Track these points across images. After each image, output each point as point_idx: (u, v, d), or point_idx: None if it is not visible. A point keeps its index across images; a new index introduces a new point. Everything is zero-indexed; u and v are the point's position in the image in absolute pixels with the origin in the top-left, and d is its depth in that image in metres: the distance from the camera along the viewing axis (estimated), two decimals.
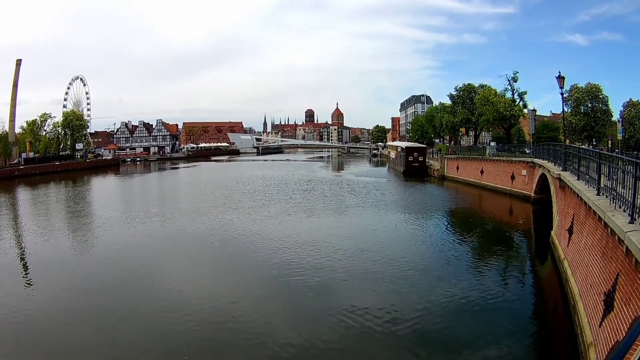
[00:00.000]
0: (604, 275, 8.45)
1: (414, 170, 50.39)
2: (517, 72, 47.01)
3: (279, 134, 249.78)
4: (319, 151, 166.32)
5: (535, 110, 42.53)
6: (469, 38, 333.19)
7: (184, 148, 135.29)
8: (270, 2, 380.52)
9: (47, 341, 9.98)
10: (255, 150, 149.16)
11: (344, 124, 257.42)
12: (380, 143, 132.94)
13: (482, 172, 39.10)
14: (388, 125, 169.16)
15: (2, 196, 40.26)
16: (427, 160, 53.58)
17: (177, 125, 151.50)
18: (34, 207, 33.24)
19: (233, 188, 41.34)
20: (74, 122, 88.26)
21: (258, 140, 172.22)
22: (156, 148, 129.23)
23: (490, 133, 67.19)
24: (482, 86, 53.53)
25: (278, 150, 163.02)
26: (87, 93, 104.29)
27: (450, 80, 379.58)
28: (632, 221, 7.29)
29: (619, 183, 8.68)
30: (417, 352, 9.24)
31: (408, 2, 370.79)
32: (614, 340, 6.64)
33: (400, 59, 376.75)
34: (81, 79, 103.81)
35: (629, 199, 7.61)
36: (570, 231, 13.50)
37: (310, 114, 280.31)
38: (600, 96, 43.97)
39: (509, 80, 46.89)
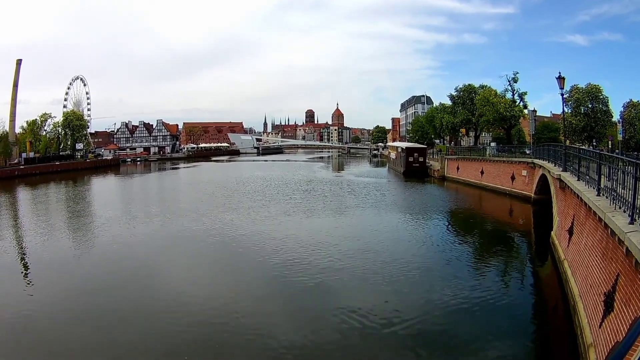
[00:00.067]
0: (604, 275, 8.45)
1: (414, 170, 50.39)
2: (518, 73, 47.12)
3: (279, 134, 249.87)
4: (319, 151, 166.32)
5: (536, 111, 42.49)
6: (469, 38, 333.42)
7: (184, 148, 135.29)
8: (270, 2, 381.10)
9: (47, 341, 9.98)
10: (255, 150, 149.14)
11: (344, 125, 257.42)
12: (380, 143, 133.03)
13: (482, 172, 39.10)
14: (388, 126, 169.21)
15: (2, 196, 40.30)
16: (427, 160, 53.60)
17: (177, 125, 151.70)
18: (34, 207, 33.26)
19: (233, 188, 41.34)
20: (74, 122, 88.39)
21: (258, 140, 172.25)
22: (156, 148, 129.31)
23: (491, 133, 67.15)
24: (482, 87, 53.52)
25: (278, 150, 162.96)
26: (87, 93, 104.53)
27: (450, 81, 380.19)
28: (632, 222, 7.29)
29: (619, 184, 8.69)
30: (418, 353, 9.24)
31: (408, 2, 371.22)
32: (614, 341, 6.64)
33: (401, 59, 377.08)
34: (81, 79, 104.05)
35: (629, 199, 7.61)
36: (571, 232, 13.50)
37: (310, 115, 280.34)
38: (601, 97, 43.96)
39: (509, 81, 46.96)
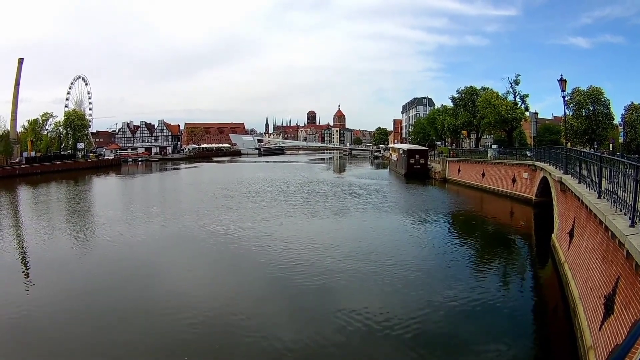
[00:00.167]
0: (604, 278, 8.45)
1: (415, 172, 50.37)
2: (519, 75, 47.15)
3: (281, 135, 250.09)
4: (321, 153, 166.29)
5: (537, 113, 42.68)
6: (471, 40, 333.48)
7: (185, 149, 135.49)
8: (270, 1, 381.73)
9: (47, 341, 9.99)
10: (256, 151, 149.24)
11: (346, 126, 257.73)
12: (381, 145, 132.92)
13: (483, 174, 39.07)
14: (390, 127, 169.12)
15: (3, 195, 40.37)
16: (428, 162, 53.58)
17: (178, 125, 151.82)
18: (35, 206, 33.28)
19: (234, 189, 41.35)
20: (76, 122, 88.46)
21: (260, 141, 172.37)
22: (158, 148, 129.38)
23: (492, 136, 67.18)
24: (484, 89, 53.62)
25: (280, 151, 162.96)
26: (89, 92, 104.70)
27: (452, 82, 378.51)
28: (632, 225, 7.30)
29: (620, 186, 8.70)
30: (418, 354, 9.23)
31: (409, 3, 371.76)
32: (614, 343, 6.64)
33: (402, 60, 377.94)
34: (83, 79, 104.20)
35: (630, 202, 7.63)
36: (571, 234, 13.49)
37: (312, 116, 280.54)
38: (602, 99, 43.90)
39: (510, 83, 47.03)
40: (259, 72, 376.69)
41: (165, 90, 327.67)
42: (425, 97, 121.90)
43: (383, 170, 72.19)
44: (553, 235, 17.51)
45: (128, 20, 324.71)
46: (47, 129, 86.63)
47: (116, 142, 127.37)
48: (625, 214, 8.02)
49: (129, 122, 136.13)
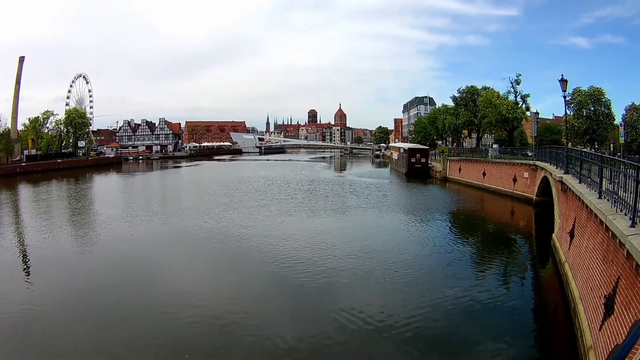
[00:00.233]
0: (604, 278, 8.46)
1: (416, 171, 50.39)
2: (520, 75, 47.23)
3: (282, 134, 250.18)
4: (322, 152, 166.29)
5: (538, 113, 42.51)
6: (473, 40, 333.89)
7: (186, 147, 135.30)
8: (270, 1, 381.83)
9: (47, 339, 10.02)
10: (257, 150, 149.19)
11: (347, 125, 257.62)
12: (382, 144, 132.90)
13: (484, 174, 39.06)
14: (391, 127, 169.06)
15: (3, 193, 40.41)
16: (429, 161, 53.57)
17: (179, 124, 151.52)
18: (36, 204, 33.31)
19: (235, 187, 41.38)
20: (77, 120, 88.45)
21: (261, 140, 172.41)
22: (159, 146, 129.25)
23: (493, 135, 67.13)
24: (485, 88, 53.60)
25: (281, 150, 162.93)
26: (89, 91, 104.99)
27: (453, 82, 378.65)
28: (633, 225, 7.31)
29: (621, 187, 8.71)
30: (419, 353, 9.26)
31: (410, 3, 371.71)
32: (614, 343, 6.65)
33: (403, 60, 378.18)
34: (84, 77, 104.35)
35: (631, 202, 7.63)
36: (572, 234, 13.50)
37: (313, 115, 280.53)
38: (603, 99, 43.90)
39: (511, 83, 47.07)
40: (259, 72, 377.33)
41: (165, 90, 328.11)
42: (426, 97, 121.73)
43: (384, 169, 72.17)
44: (553, 235, 17.53)
45: (128, 20, 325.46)
46: (47, 127, 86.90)
47: (117, 140, 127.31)
48: (625, 214, 8.02)
49: (129, 120, 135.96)
